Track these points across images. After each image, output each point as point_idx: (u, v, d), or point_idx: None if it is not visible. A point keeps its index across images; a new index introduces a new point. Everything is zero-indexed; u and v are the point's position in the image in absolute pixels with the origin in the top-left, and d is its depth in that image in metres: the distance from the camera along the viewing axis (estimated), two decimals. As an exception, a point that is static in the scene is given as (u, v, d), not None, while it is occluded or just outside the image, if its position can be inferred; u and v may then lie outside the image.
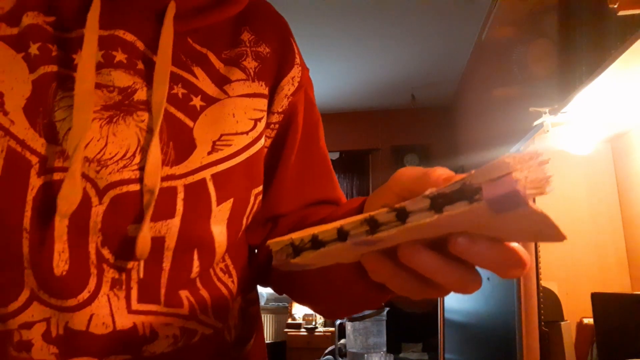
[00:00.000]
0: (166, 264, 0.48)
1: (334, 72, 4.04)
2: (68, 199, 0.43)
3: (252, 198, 0.55)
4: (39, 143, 0.44)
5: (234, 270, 0.56)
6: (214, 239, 0.50)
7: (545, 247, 1.46)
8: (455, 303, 1.63)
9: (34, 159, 0.44)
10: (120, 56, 0.49)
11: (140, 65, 0.50)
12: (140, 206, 0.46)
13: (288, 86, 0.59)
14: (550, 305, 1.22)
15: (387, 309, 1.95)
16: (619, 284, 1.43)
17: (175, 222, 0.47)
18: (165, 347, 0.48)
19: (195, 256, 0.50)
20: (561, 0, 1.37)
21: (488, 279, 1.14)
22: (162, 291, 0.48)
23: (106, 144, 0.46)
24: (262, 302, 4.59)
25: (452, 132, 4.78)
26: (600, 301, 1.13)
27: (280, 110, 0.58)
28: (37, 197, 0.44)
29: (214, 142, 0.51)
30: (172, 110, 0.50)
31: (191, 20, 0.54)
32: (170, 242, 0.47)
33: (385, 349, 1.84)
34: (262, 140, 0.56)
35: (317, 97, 0.66)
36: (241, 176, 0.53)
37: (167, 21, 0.51)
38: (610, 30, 1.09)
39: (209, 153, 0.50)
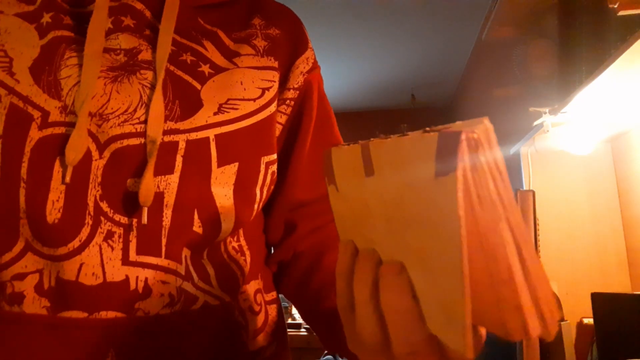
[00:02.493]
0: (166, 222, 0.47)
1: (333, 72, 4.04)
2: (75, 148, 0.44)
3: (263, 166, 0.54)
4: (42, 98, 0.45)
5: (248, 252, 0.55)
6: (214, 200, 0.49)
7: (545, 247, 1.46)
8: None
9: (36, 114, 0.45)
10: (128, 21, 0.51)
11: (147, 32, 0.51)
12: (140, 160, 0.46)
13: (303, 65, 0.60)
14: (550, 305, 1.21)
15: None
16: (619, 284, 1.43)
17: (174, 179, 0.47)
18: (160, 307, 0.46)
19: (196, 216, 0.48)
20: (561, 0, 1.37)
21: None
22: (164, 242, 0.47)
23: (109, 100, 0.47)
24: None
25: (452, 132, 4.78)
26: (600, 301, 1.13)
27: (296, 86, 0.59)
28: (35, 149, 0.44)
29: (220, 105, 0.51)
30: (180, 73, 0.51)
31: None
32: (169, 198, 0.46)
33: (385, 349, 1.83)
34: (272, 108, 0.55)
35: (316, 98, 0.66)
36: (247, 141, 0.52)
37: None
38: (610, 30, 1.09)
39: (215, 114, 0.50)
